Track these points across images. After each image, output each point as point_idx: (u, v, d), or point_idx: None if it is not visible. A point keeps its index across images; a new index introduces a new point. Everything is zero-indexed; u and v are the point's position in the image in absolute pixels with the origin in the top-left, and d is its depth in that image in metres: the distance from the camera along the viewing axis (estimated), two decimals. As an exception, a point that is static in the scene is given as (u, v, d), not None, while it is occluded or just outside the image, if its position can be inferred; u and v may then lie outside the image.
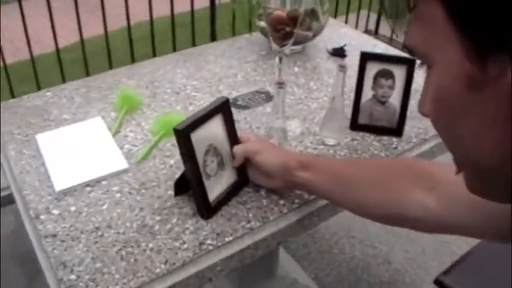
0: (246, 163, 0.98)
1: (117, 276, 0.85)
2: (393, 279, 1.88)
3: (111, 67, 2.38)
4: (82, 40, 2.32)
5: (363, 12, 3.40)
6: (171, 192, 1.01)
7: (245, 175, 1.00)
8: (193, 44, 2.59)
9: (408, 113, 1.15)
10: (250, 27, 1.72)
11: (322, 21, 1.49)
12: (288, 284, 1.74)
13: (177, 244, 0.90)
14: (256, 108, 1.28)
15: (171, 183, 1.02)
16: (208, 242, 0.91)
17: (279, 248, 1.68)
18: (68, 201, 1.00)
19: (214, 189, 0.95)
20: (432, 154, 1.17)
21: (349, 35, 1.65)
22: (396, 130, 1.17)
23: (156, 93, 1.35)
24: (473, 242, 1.31)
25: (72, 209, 0.98)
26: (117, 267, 0.86)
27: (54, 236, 0.92)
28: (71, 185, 1.02)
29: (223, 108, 0.95)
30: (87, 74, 2.36)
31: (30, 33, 2.20)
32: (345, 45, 1.53)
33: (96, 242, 0.91)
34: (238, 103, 1.30)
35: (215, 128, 0.94)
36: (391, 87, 1.14)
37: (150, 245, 0.90)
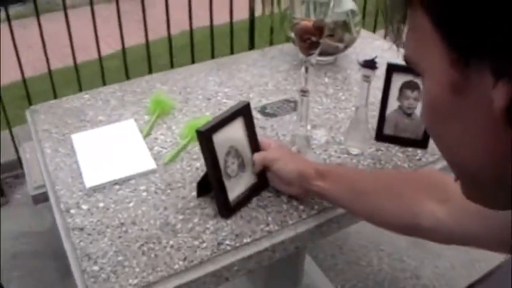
0: (265, 168, 1.01)
1: (137, 269, 0.88)
2: (421, 295, 1.86)
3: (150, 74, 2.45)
4: (123, 47, 2.39)
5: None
6: (195, 193, 1.04)
7: (265, 178, 1.03)
8: (232, 54, 2.64)
9: (434, 125, 1.15)
10: (287, 39, 1.75)
11: (354, 33, 1.50)
12: (313, 293, 1.74)
13: (196, 243, 0.93)
14: (284, 117, 1.31)
15: (196, 184, 1.05)
16: (227, 242, 0.93)
17: (304, 257, 1.68)
18: (96, 198, 1.04)
19: (235, 190, 0.98)
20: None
21: (382, 47, 1.66)
22: (421, 142, 1.17)
23: (188, 99, 1.40)
24: (503, 258, 1.29)
25: (100, 205, 1.03)
26: (138, 261, 0.90)
27: (82, 229, 0.97)
28: (101, 183, 1.06)
29: (244, 112, 0.98)
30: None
31: (78, 40, 2.30)
32: (376, 57, 1.53)
33: (120, 237, 0.95)
34: (266, 111, 1.33)
35: (236, 130, 0.97)
36: (417, 99, 1.15)
37: (171, 242, 0.93)
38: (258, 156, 1.00)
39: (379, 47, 1.66)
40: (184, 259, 0.90)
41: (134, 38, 2.84)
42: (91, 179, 1.07)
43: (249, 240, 0.94)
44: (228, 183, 0.97)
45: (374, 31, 3.04)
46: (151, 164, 1.12)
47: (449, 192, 0.80)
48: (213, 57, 2.64)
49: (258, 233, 0.96)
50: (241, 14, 2.68)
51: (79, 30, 2.28)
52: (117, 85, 1.48)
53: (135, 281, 0.86)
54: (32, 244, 2.11)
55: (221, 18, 2.66)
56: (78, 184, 1.08)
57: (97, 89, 1.47)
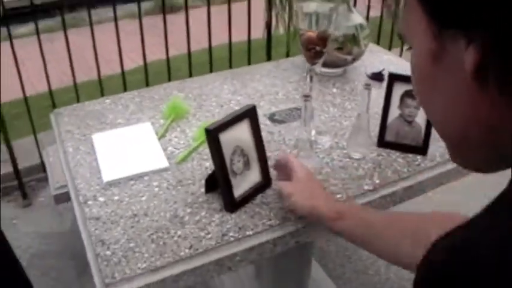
0: (268, 167, 1.08)
1: (146, 255, 0.95)
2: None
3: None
4: (145, 61, 2.50)
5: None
6: (204, 190, 1.11)
7: (268, 177, 1.09)
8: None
9: (433, 133, 1.21)
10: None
11: (362, 46, 1.57)
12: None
13: (202, 233, 1.00)
14: (291, 123, 1.38)
15: (204, 181, 1.12)
16: (231, 234, 1.00)
17: (311, 263, 1.74)
18: (112, 191, 1.12)
19: (240, 187, 1.05)
20: (458, 173, 1.22)
21: (390, 60, 1.72)
22: (421, 148, 1.23)
23: (202, 105, 1.48)
24: None
25: (116, 197, 1.11)
26: (147, 248, 0.97)
27: (98, 218, 1.05)
28: (117, 178, 1.15)
29: (250, 114, 1.05)
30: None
31: (102, 54, 2.40)
32: (383, 69, 1.60)
33: (132, 227, 1.02)
34: (275, 117, 1.40)
35: (242, 131, 1.05)
36: (417, 107, 1.21)
37: (179, 233, 1.01)
38: (281, 184, 1.04)
39: (387, 60, 1.73)
40: (190, 247, 0.97)
41: (156, 53, 2.94)
42: (108, 174, 1.15)
43: (251, 232, 1.01)
44: (233, 180, 1.04)
45: (389, 49, 3.12)
46: (164, 163, 1.20)
47: None
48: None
49: (260, 227, 1.02)
50: (259, 33, 2.76)
51: (103, 44, 2.39)
52: (136, 91, 1.57)
53: (144, 265, 0.93)
54: (51, 244, 2.20)
55: (240, 36, 2.76)
56: (96, 179, 1.16)
57: (117, 95, 1.56)
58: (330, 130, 1.35)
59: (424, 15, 0.47)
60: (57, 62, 2.36)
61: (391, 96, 1.22)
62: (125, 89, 2.60)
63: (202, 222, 1.03)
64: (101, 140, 1.29)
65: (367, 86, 1.13)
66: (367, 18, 2.77)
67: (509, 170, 0.47)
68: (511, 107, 0.43)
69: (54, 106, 2.41)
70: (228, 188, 1.02)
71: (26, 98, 2.40)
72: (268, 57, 2.76)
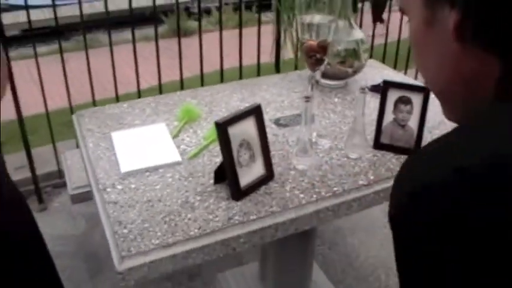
0: (271, 161, 1.19)
1: (159, 233, 1.06)
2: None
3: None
4: (160, 81, 2.63)
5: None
6: (213, 181, 1.22)
7: (271, 171, 1.20)
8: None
9: (425, 136, 1.32)
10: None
11: (363, 60, 1.69)
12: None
13: (210, 217, 1.11)
14: (295, 127, 1.49)
15: (213, 173, 1.23)
16: (236, 217, 1.11)
17: (312, 266, 1.83)
18: (129, 181, 1.24)
19: (245, 177, 1.16)
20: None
21: (388, 75, 1.84)
22: (413, 150, 1.33)
23: (212, 111, 1.60)
24: None
25: (132, 186, 1.22)
26: (161, 228, 1.08)
27: (116, 203, 1.16)
28: (134, 169, 1.26)
29: (255, 112, 1.17)
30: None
31: (117, 75, 2.54)
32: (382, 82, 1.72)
33: (147, 210, 1.13)
34: (280, 122, 1.52)
35: (248, 126, 1.16)
36: (410, 112, 1.32)
37: (189, 216, 1.11)
38: None
39: (386, 75, 1.84)
40: (199, 228, 1.08)
41: (169, 75, 3.08)
42: (126, 166, 1.27)
43: (254, 217, 1.11)
44: (239, 170, 1.15)
45: (405, 72, 3.25)
46: (177, 157, 1.31)
47: None
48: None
49: (263, 213, 1.13)
50: (268, 57, 2.89)
51: (117, 66, 2.53)
52: (152, 98, 1.70)
53: (157, 242, 1.04)
54: (65, 246, 2.30)
55: (250, 60, 2.90)
56: (115, 170, 1.28)
57: (134, 100, 1.69)
58: (330, 134, 1.46)
59: None
60: (71, 81, 2.50)
61: (385, 102, 1.33)
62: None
63: (210, 208, 1.14)
64: (120, 137, 1.41)
65: (363, 90, 1.24)
66: (372, 47, 2.90)
67: None
68: (484, 60, 0.53)
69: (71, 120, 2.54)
70: (234, 176, 1.13)
71: (47, 111, 2.55)
72: (277, 71, 2.89)
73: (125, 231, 1.07)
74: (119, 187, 1.22)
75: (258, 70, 2.84)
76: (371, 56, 2.43)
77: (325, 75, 1.66)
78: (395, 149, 1.35)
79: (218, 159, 1.32)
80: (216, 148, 1.37)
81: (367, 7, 4.02)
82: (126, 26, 2.58)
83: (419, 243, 0.49)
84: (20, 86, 2.38)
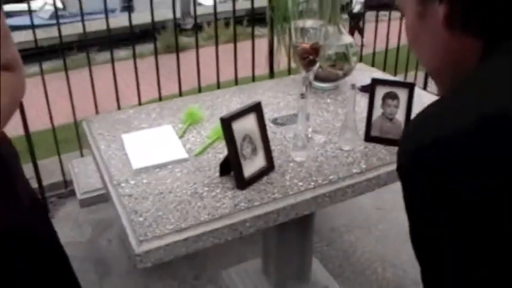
0: (271, 154, 1.30)
1: (172, 220, 1.16)
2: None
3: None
4: (160, 94, 2.74)
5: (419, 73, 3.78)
6: (219, 173, 1.33)
7: (272, 163, 1.31)
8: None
9: (411, 128, 1.44)
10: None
11: (352, 63, 1.81)
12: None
13: (218, 204, 1.22)
14: (291, 126, 1.60)
15: (219, 166, 1.34)
16: (242, 204, 1.22)
17: (311, 262, 1.93)
18: (141, 176, 1.34)
19: (249, 168, 1.27)
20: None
21: (377, 76, 1.96)
22: (401, 142, 1.44)
23: (214, 114, 1.71)
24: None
25: (144, 181, 1.32)
26: (173, 215, 1.18)
27: (130, 195, 1.26)
28: (145, 166, 1.36)
29: (256, 109, 1.28)
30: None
31: (112, 92, 2.65)
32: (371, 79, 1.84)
33: (159, 201, 1.24)
34: (277, 121, 1.63)
35: (250, 122, 1.27)
36: (397, 106, 1.44)
37: (198, 204, 1.22)
38: None
39: (375, 76, 1.97)
40: (208, 214, 1.18)
41: (166, 90, 3.19)
42: (137, 163, 1.37)
43: (258, 204, 1.22)
44: (243, 162, 1.26)
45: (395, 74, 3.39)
46: (184, 154, 1.42)
47: None
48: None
49: (266, 199, 1.23)
50: (262, 70, 3.01)
51: (112, 83, 2.65)
52: (156, 104, 1.81)
53: (171, 227, 1.14)
54: (74, 250, 2.38)
55: (245, 72, 3.02)
56: (127, 168, 1.38)
57: (139, 106, 1.80)
58: (324, 130, 1.57)
59: None
60: (65, 98, 2.63)
61: (374, 98, 1.45)
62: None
63: (217, 197, 1.24)
64: (130, 138, 1.52)
65: (353, 86, 1.36)
66: (373, 60, 3.04)
67: None
68: (470, 44, 0.63)
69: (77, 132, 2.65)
70: (239, 167, 1.24)
71: (53, 126, 2.67)
72: (271, 76, 3.01)
73: (141, 219, 1.17)
74: (132, 182, 1.32)
75: (253, 79, 2.96)
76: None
77: (317, 78, 1.78)
78: (385, 140, 1.46)
79: (222, 155, 1.43)
80: (220, 145, 1.48)
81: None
82: (120, 44, 2.69)
83: (424, 189, 0.56)
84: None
